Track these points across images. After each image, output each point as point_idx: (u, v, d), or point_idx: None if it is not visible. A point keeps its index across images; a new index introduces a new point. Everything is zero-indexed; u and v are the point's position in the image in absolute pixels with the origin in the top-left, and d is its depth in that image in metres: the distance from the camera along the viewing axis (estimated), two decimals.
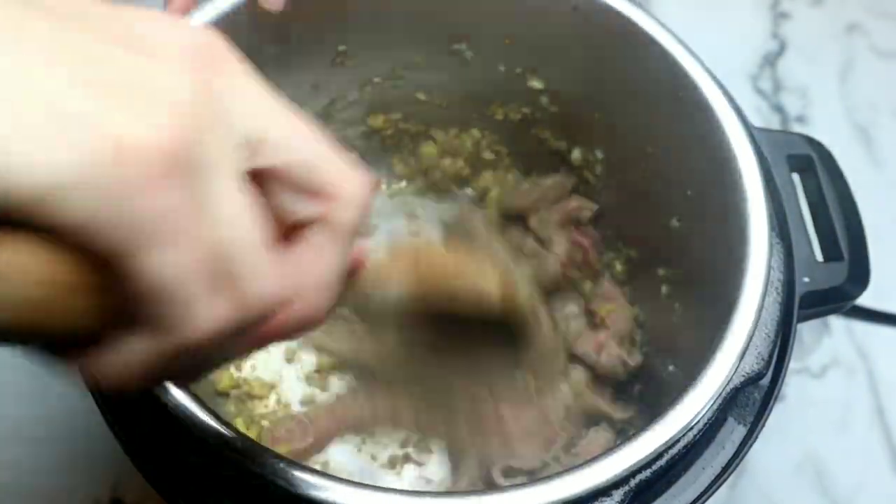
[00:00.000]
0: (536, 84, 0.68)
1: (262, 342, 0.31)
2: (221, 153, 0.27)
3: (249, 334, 0.29)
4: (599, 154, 0.69)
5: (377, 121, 0.73)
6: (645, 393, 0.65)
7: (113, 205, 0.23)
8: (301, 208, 0.30)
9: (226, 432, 0.44)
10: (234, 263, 0.27)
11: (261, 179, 0.29)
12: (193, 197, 0.25)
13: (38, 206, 0.23)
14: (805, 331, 0.77)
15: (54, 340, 0.27)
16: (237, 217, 0.27)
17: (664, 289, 0.65)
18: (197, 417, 0.44)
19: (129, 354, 0.27)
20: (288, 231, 0.31)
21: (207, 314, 0.26)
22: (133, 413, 0.46)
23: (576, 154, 0.71)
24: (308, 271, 0.30)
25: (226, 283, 0.27)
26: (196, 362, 0.29)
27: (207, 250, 0.26)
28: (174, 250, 0.25)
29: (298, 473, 0.42)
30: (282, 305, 0.30)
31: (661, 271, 0.65)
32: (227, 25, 0.55)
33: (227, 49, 0.29)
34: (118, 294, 0.25)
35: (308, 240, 0.31)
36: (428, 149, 0.75)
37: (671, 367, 0.61)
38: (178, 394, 0.45)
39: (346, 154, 0.32)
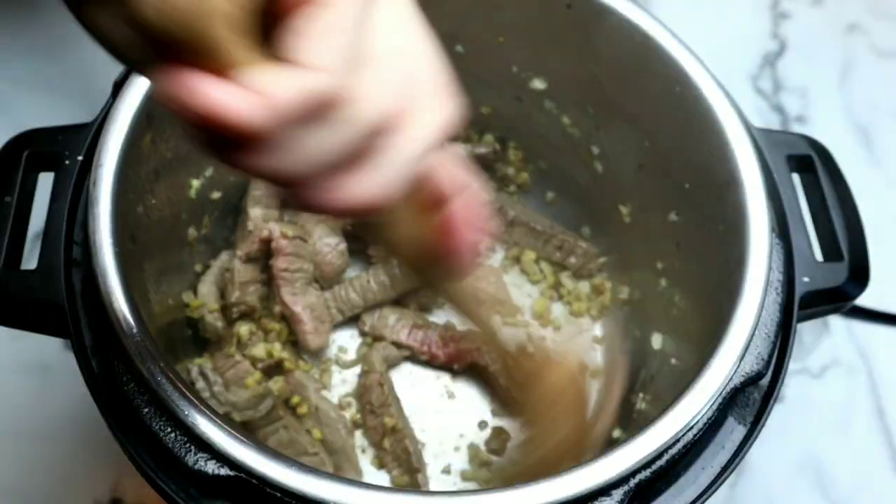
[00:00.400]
0: (539, 85, 0.69)
1: (342, 193, 0.33)
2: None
3: (357, 142, 0.32)
4: (595, 150, 0.69)
5: None
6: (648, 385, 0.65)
7: None
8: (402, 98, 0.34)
9: (226, 430, 0.44)
10: (372, 63, 0.32)
11: None
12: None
13: None
14: (805, 331, 0.77)
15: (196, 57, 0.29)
16: (386, 35, 0.33)
17: (663, 282, 0.65)
18: (197, 417, 0.44)
19: (278, 84, 0.29)
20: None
21: (345, 68, 0.31)
22: (133, 413, 0.46)
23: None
24: (393, 141, 0.34)
25: (361, 72, 0.31)
26: (316, 135, 0.31)
27: (361, 29, 0.31)
28: (353, 23, 0.31)
29: (298, 474, 0.42)
30: (388, 130, 0.33)
31: (659, 265, 0.65)
32: None
33: None
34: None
35: (397, 126, 0.34)
36: None
37: (673, 361, 0.61)
38: (178, 394, 0.45)
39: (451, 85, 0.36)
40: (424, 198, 0.40)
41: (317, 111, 0.30)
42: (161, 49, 0.28)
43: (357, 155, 0.33)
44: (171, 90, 0.28)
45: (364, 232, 0.67)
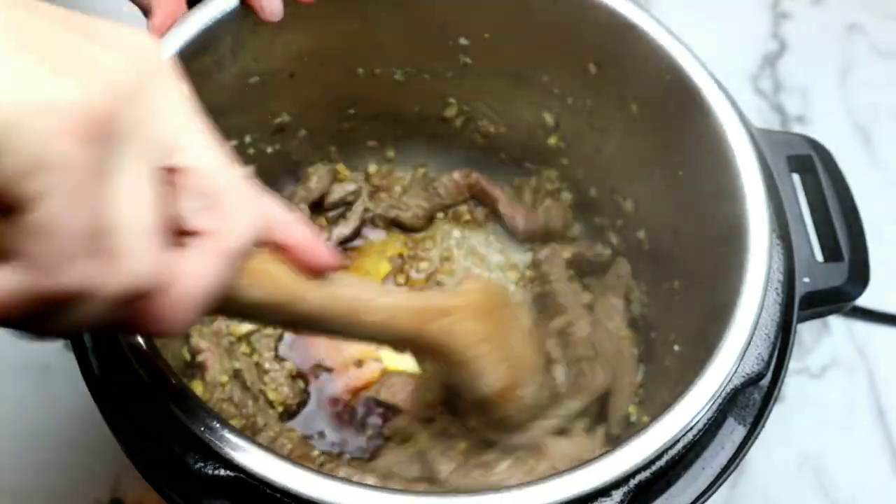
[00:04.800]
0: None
1: (127, 322, 0.33)
2: (139, 138, 0.30)
3: (116, 307, 0.31)
4: (595, 155, 0.69)
5: None
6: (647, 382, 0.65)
7: (25, 143, 0.27)
8: (197, 217, 0.34)
9: (225, 431, 0.44)
10: (119, 237, 0.30)
11: (168, 181, 0.33)
12: (102, 162, 0.29)
13: None
14: (805, 331, 0.77)
15: None
16: (136, 196, 0.30)
17: (664, 284, 0.65)
18: (197, 417, 0.44)
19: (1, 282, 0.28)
20: (180, 235, 0.34)
21: (77, 270, 0.29)
22: (133, 413, 0.46)
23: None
24: (185, 272, 0.33)
25: (104, 250, 0.29)
26: (62, 315, 0.31)
27: (96, 214, 0.29)
28: (67, 198, 0.28)
29: (298, 473, 0.42)
30: (150, 294, 0.32)
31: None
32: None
33: (170, 63, 0.33)
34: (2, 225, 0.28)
35: (195, 246, 0.34)
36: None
37: (677, 347, 0.61)
38: (179, 394, 0.45)
39: (251, 184, 0.36)
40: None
41: (45, 302, 0.29)
42: None
43: (145, 299, 0.32)
44: None
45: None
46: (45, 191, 0.27)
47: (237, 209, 0.35)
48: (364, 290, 0.47)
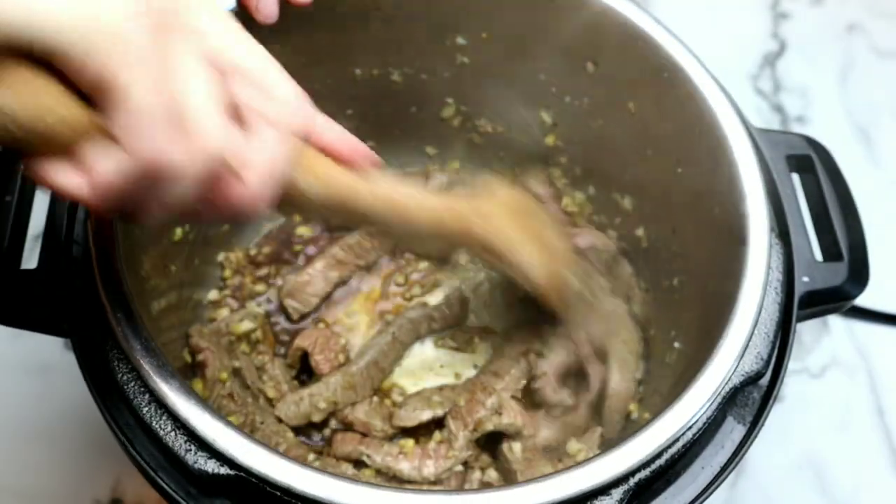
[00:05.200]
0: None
1: (210, 209, 0.38)
2: (193, 33, 0.36)
3: (201, 187, 0.36)
4: (594, 153, 0.69)
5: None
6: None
7: (100, 35, 0.33)
8: (255, 103, 0.38)
9: (227, 429, 0.44)
10: (190, 112, 0.35)
11: (224, 72, 0.38)
12: (168, 53, 0.34)
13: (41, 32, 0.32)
14: (804, 331, 0.77)
15: (41, 148, 0.35)
16: (199, 79, 0.35)
17: (664, 282, 0.65)
18: (197, 417, 0.44)
19: (101, 164, 0.35)
20: (242, 124, 0.38)
21: (163, 143, 0.34)
22: (133, 413, 0.46)
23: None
24: (255, 152, 0.38)
25: (181, 126, 0.34)
26: (156, 194, 0.36)
27: (173, 97, 0.34)
28: (150, 84, 0.34)
29: (298, 473, 0.42)
30: (228, 172, 0.37)
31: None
32: None
33: None
34: (97, 112, 0.34)
35: (259, 130, 0.38)
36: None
37: (677, 344, 0.61)
38: (178, 393, 0.45)
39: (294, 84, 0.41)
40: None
41: (143, 180, 0.35)
42: (13, 147, 0.34)
43: (219, 179, 0.37)
44: (29, 175, 0.36)
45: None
46: (132, 81, 0.33)
47: (290, 99, 0.40)
48: (413, 192, 0.50)
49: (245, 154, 0.38)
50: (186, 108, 0.35)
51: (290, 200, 0.43)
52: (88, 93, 0.34)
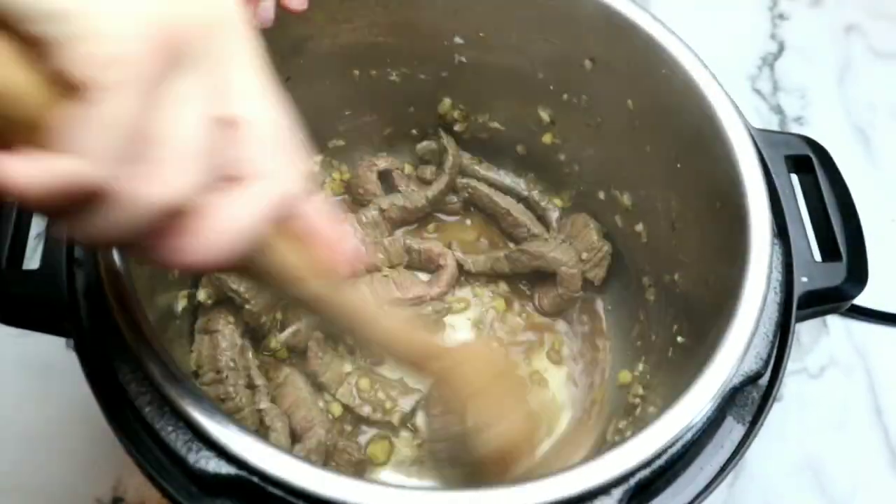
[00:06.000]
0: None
1: (156, 243, 0.34)
2: (204, 71, 0.32)
3: (150, 219, 0.32)
4: (592, 151, 0.69)
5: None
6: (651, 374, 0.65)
7: (111, 34, 0.29)
8: (246, 164, 0.35)
9: (230, 427, 0.44)
10: (165, 149, 0.31)
11: (224, 125, 0.34)
12: (166, 79, 0.31)
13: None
14: (804, 331, 0.78)
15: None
16: (189, 120, 0.32)
17: (665, 276, 0.65)
18: (199, 416, 0.44)
19: (45, 163, 0.30)
20: (227, 182, 0.35)
21: (123, 169, 0.31)
22: (135, 412, 0.46)
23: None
24: (224, 209, 0.34)
25: (150, 158, 0.31)
26: (100, 212, 0.32)
27: (151, 122, 0.31)
28: (130, 97, 0.30)
29: (301, 471, 0.43)
30: (184, 216, 0.33)
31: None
32: None
33: (244, 16, 0.35)
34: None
35: (238, 190, 0.35)
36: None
37: (680, 339, 0.61)
38: (180, 392, 0.45)
39: (300, 152, 0.37)
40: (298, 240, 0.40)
41: (77, 197, 0.31)
42: None
43: (175, 224, 0.33)
44: None
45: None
46: (114, 84, 0.29)
47: (285, 168, 0.36)
48: (366, 306, 0.47)
49: (213, 205, 0.34)
50: (161, 141, 0.31)
51: (245, 269, 0.40)
52: (51, 76, 0.30)
